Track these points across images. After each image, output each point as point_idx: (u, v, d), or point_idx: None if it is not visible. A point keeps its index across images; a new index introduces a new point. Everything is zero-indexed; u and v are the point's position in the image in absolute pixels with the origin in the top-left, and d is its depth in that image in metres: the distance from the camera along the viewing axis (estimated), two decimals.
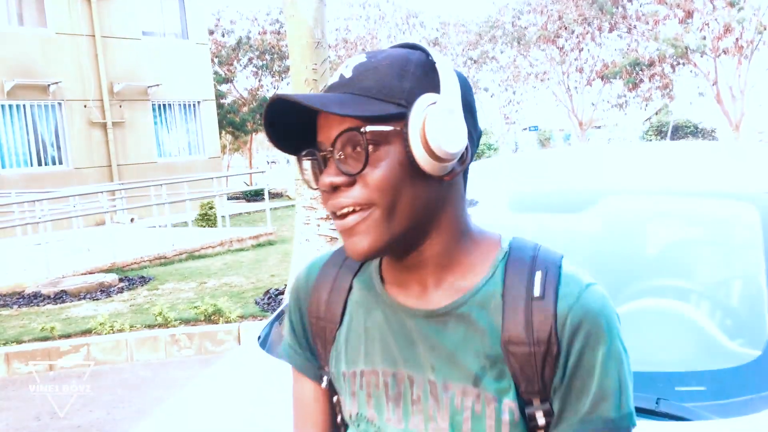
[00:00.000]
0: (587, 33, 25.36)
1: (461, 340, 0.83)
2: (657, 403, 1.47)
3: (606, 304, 0.81)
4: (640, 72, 24.38)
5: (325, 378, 0.97)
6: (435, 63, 0.81)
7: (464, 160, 0.82)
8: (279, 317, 2.25)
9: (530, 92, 30.01)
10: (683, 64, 23.52)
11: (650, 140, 29.18)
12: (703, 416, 1.44)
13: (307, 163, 0.85)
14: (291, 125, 0.83)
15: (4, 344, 5.63)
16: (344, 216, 0.80)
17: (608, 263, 2.15)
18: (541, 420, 0.81)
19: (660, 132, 29.30)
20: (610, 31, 25.31)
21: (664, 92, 25.35)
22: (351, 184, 0.79)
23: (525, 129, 35.99)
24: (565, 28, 25.21)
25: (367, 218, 0.79)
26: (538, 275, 0.82)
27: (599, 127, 39.68)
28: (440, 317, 0.84)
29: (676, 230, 2.29)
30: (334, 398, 0.98)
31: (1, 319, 6.61)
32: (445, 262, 0.85)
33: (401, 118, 0.78)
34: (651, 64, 23.85)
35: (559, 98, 28.06)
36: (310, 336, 0.99)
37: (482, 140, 22.14)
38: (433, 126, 0.76)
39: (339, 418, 0.98)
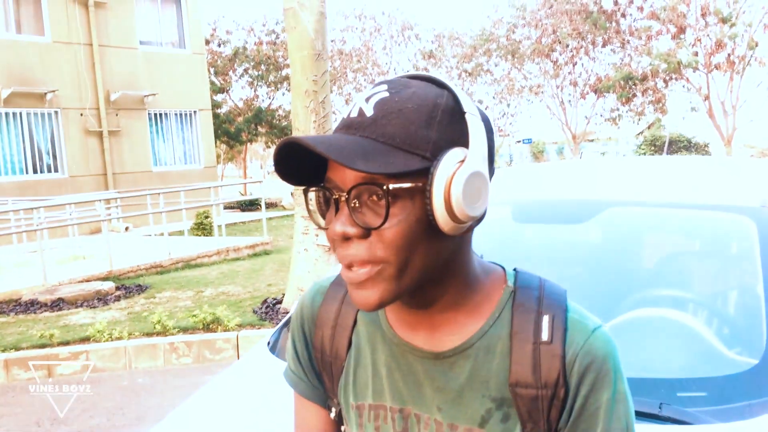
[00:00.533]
0: (581, 47, 25.61)
1: (467, 382, 0.83)
2: (660, 407, 1.52)
3: (611, 348, 0.82)
4: (633, 86, 24.60)
5: (334, 409, 0.97)
6: (464, 112, 0.77)
7: (482, 217, 0.79)
8: (288, 323, 2.29)
9: (524, 105, 30.19)
10: (676, 79, 23.76)
11: (644, 154, 29.39)
12: (704, 420, 1.50)
13: (311, 195, 0.82)
14: (300, 155, 0.77)
15: (3, 351, 5.63)
16: (353, 265, 0.77)
17: (609, 273, 2.21)
18: None
19: (654, 145, 29.51)
20: (604, 45, 25.56)
21: (657, 106, 25.57)
22: (364, 236, 0.75)
23: (519, 141, 36.16)
24: (559, 42, 25.44)
25: (378, 274, 0.76)
26: (546, 320, 0.82)
27: (592, 141, 39.93)
28: (447, 359, 0.84)
29: (675, 241, 2.35)
30: (342, 428, 0.98)
31: None
32: (451, 305, 0.84)
33: (424, 173, 0.74)
34: (644, 79, 24.07)
35: (553, 111, 28.25)
36: (316, 366, 0.98)
37: None
38: (459, 189, 0.73)
39: None
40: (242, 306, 6.80)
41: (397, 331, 0.88)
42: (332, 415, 0.97)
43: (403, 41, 27.98)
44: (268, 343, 2.21)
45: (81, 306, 7.36)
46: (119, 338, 5.79)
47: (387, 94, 0.77)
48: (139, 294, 7.90)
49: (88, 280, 8.56)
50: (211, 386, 2.11)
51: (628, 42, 24.83)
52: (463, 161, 0.74)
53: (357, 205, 0.75)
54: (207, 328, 5.94)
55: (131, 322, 6.38)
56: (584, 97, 27.35)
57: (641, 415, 1.53)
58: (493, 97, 30.19)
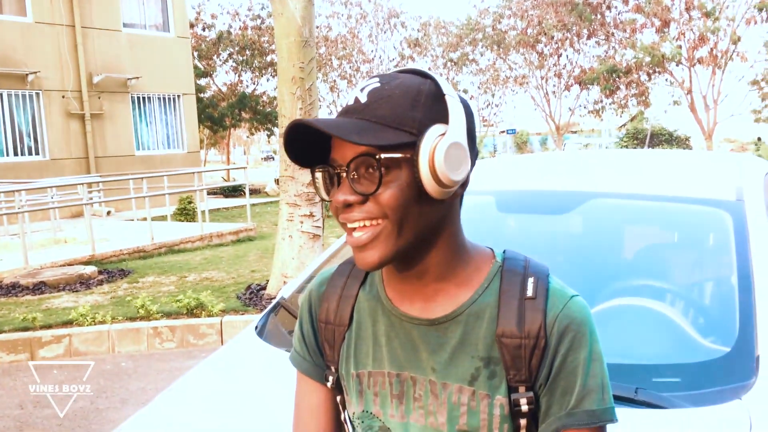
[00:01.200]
0: (566, 39, 25.69)
1: (459, 345, 0.93)
2: (636, 392, 1.58)
3: (587, 314, 0.93)
4: (617, 79, 24.73)
5: (331, 378, 1.06)
6: (444, 95, 0.89)
7: (465, 183, 0.92)
8: (275, 308, 2.33)
9: (509, 96, 30.30)
10: (659, 72, 23.93)
11: (626, 146, 29.61)
12: (678, 405, 1.56)
13: (318, 175, 0.93)
14: (306, 140, 0.90)
15: None
16: (355, 230, 0.89)
17: (589, 263, 2.27)
18: (524, 407, 0.92)
19: (636, 138, 29.74)
20: (589, 37, 25.67)
21: (640, 99, 25.75)
22: (363, 202, 0.87)
23: (503, 132, 36.29)
24: (545, 34, 25.50)
25: (377, 233, 0.87)
26: (531, 280, 0.94)
27: (576, 132, 40.16)
28: (440, 325, 0.95)
29: (654, 233, 2.42)
30: (338, 398, 1.08)
31: None
32: (443, 275, 0.95)
33: (412, 146, 0.86)
34: (628, 72, 24.21)
35: (537, 102, 28.36)
36: (319, 340, 1.07)
37: None
38: (441, 156, 0.85)
39: (343, 416, 1.08)
40: (226, 291, 6.82)
41: (395, 303, 0.99)
42: (329, 384, 1.06)
43: (389, 29, 27.87)
44: (256, 328, 2.25)
45: (63, 290, 7.33)
46: (102, 322, 5.79)
47: (378, 84, 0.89)
48: (121, 278, 7.88)
49: (70, 264, 8.52)
50: (199, 369, 2.14)
51: (613, 35, 24.96)
52: (443, 134, 0.87)
53: (355, 176, 0.87)
54: (191, 313, 5.95)
55: (114, 307, 6.37)
56: (568, 89, 27.48)
57: (618, 399, 1.58)
58: (478, 87, 30.23)
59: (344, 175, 0.88)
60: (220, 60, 26.46)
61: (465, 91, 30.40)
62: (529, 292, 0.92)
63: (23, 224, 8.68)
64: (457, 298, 0.95)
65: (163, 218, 11.92)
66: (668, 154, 3.03)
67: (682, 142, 29.52)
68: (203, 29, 25.69)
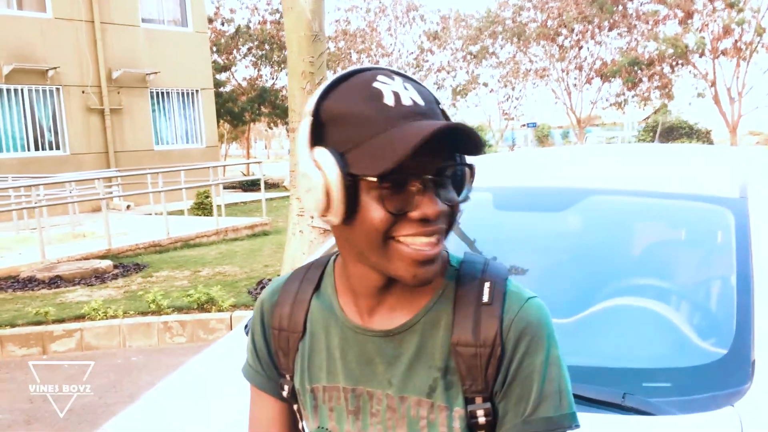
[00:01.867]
0: (587, 31, 25.40)
1: (415, 356, 0.89)
2: (623, 397, 1.52)
3: (545, 315, 0.89)
4: (639, 71, 24.42)
5: (286, 386, 1.01)
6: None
7: None
8: None
9: (529, 89, 30.05)
10: (682, 64, 23.57)
11: (644, 140, 29.24)
12: (667, 411, 1.50)
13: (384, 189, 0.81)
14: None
15: None
16: (438, 243, 0.83)
17: (588, 262, 2.21)
18: (481, 419, 0.88)
19: (654, 131, 29.35)
20: (610, 29, 25.35)
21: (663, 92, 25.40)
22: (445, 213, 0.83)
23: (523, 125, 36.02)
24: (565, 26, 25.24)
25: (443, 240, 0.85)
26: (487, 285, 0.89)
27: (598, 125, 39.74)
28: (396, 336, 0.90)
29: (654, 231, 2.35)
30: (294, 406, 1.03)
31: None
32: (400, 286, 0.90)
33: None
34: (650, 64, 23.89)
35: (558, 95, 28.11)
36: (272, 348, 1.02)
37: None
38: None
39: (301, 425, 1.04)
40: (237, 286, 6.84)
41: (348, 315, 0.94)
42: (284, 393, 1.01)
43: (408, 22, 27.78)
44: (246, 327, 2.23)
45: (78, 284, 7.40)
46: (114, 316, 5.83)
47: (411, 83, 0.85)
48: (136, 273, 7.93)
49: (86, 258, 8.60)
50: (188, 368, 2.12)
51: (635, 26, 24.62)
52: None
53: (442, 184, 0.83)
54: (201, 308, 5.98)
55: (127, 301, 6.42)
56: (590, 82, 27.19)
57: (605, 405, 1.54)
58: (498, 80, 30.03)
59: (430, 182, 0.81)
60: (240, 54, 26.56)
61: (485, 85, 30.20)
62: (485, 298, 0.88)
63: (40, 218, 8.78)
64: (412, 306, 0.91)
65: (180, 213, 11.99)
66: (672, 149, 2.95)
67: (702, 135, 29.05)
68: (222, 24, 25.79)
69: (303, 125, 0.84)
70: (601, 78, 26.18)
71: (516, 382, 0.86)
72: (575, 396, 1.51)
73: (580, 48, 26.28)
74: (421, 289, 0.90)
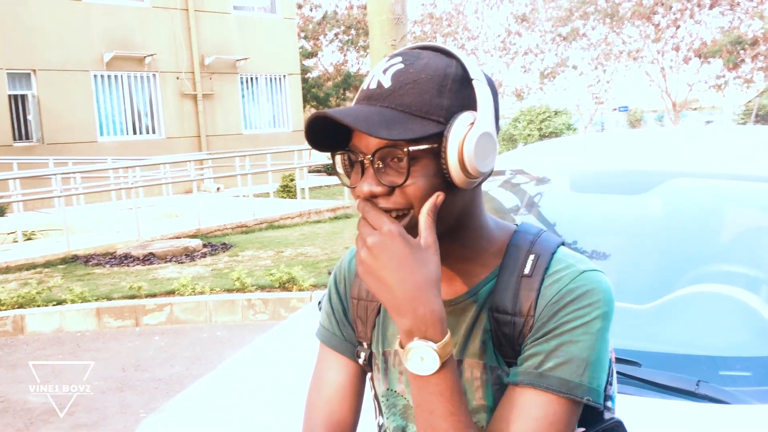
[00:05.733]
0: (686, 9, 24.14)
1: (472, 323, 0.94)
2: (697, 385, 1.47)
3: (600, 289, 0.87)
4: (742, 51, 23.04)
5: (363, 354, 1.05)
6: (472, 79, 0.85)
7: (491, 172, 0.88)
8: None
9: (621, 71, 28.89)
10: None
11: (744, 124, 27.64)
12: (743, 400, 1.44)
13: (338, 159, 0.90)
14: (328, 124, 0.86)
15: (96, 300, 6.04)
16: None
17: (669, 247, 2.13)
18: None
19: (757, 115, 27.68)
20: (711, 7, 23.97)
21: (767, 74, 23.88)
22: (389, 193, 0.84)
23: (615, 109, 34.74)
24: (662, 4, 24.09)
25: (405, 223, 0.85)
26: (531, 257, 0.91)
27: (695, 109, 37.85)
28: (458, 304, 0.95)
29: (741, 216, 2.23)
30: (368, 375, 1.07)
31: (95, 277, 7.08)
32: (466, 257, 0.94)
33: (439, 135, 0.82)
34: (754, 43, 22.48)
35: (652, 78, 26.91)
36: (350, 316, 1.08)
37: (561, 120, 21.24)
38: (471, 148, 0.82)
39: (373, 393, 1.08)
40: (318, 267, 6.98)
41: None
42: (360, 360, 1.06)
43: (496, 4, 27.25)
44: (319, 303, 2.28)
45: (170, 261, 7.77)
46: (201, 293, 6.09)
47: (402, 65, 0.85)
48: (223, 252, 8.24)
49: (177, 237, 9.00)
50: (261, 341, 2.20)
51: (738, 3, 23.19)
52: (473, 123, 0.83)
53: (380, 166, 0.84)
54: (283, 286, 6.14)
55: (214, 278, 6.68)
56: (687, 63, 25.87)
57: (677, 392, 1.48)
58: (589, 63, 29.06)
59: (368, 164, 0.84)
60: (326, 40, 26.89)
61: (574, 68, 29.31)
62: (527, 270, 0.90)
63: (136, 199, 9.24)
64: (476, 277, 0.94)
65: (266, 195, 12.33)
66: (760, 131, 2.78)
67: None
68: (310, 10, 26.17)
69: None
70: (700, 59, 24.86)
71: (550, 336, 0.86)
72: (648, 382, 1.48)
73: (678, 27, 25.02)
74: (487, 262, 0.94)
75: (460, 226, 0.91)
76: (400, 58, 0.86)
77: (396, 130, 0.80)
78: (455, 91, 0.84)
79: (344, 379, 1.06)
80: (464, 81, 0.85)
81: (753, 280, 1.94)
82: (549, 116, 20.55)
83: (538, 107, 21.53)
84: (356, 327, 1.06)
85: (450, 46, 0.88)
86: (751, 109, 28.41)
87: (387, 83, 0.84)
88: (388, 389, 1.01)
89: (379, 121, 0.81)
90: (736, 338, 1.74)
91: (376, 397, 1.07)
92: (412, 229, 0.85)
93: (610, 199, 2.33)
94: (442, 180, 0.84)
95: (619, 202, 2.31)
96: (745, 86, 25.56)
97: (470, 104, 0.84)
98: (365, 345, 1.05)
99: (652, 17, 24.96)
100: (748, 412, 1.41)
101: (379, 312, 1.04)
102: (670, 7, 24.17)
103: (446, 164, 0.82)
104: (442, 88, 0.83)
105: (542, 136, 19.58)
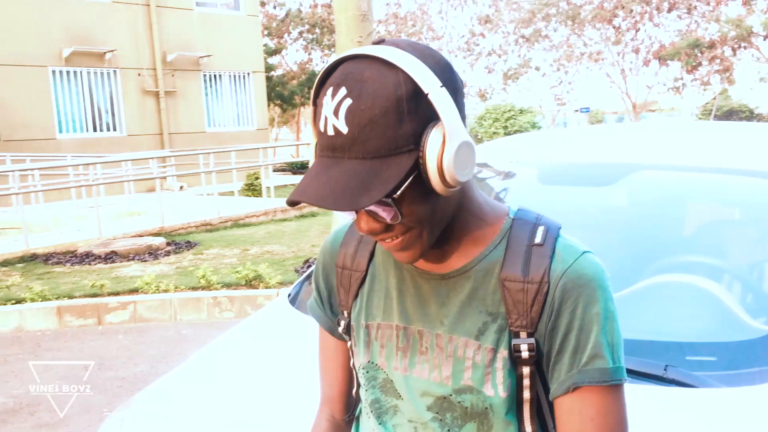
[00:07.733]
0: (645, 12, 24.66)
1: (467, 299, 0.94)
2: (665, 369, 1.50)
3: (601, 270, 0.90)
4: (699, 54, 23.62)
5: (342, 322, 1.07)
6: (426, 94, 0.80)
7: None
8: (308, 278, 2.34)
9: (583, 73, 29.40)
10: (745, 47, 22.70)
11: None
12: (710, 384, 1.47)
13: None
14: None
15: (57, 298, 5.91)
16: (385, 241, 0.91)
17: (634, 238, 2.17)
18: (525, 353, 0.91)
19: (715, 116, 28.39)
20: (669, 11, 24.55)
21: (724, 76, 24.53)
22: (389, 227, 0.88)
23: (576, 110, 35.31)
24: (623, 7, 24.56)
25: (409, 241, 0.89)
26: (541, 228, 0.93)
27: (654, 111, 38.67)
28: (451, 279, 0.95)
29: (704, 207, 2.29)
30: (348, 344, 1.09)
31: (55, 276, 6.93)
32: (460, 235, 0.95)
33: (415, 161, 0.81)
34: (711, 46, 23.08)
35: (613, 79, 27.44)
36: (334, 286, 1.10)
37: (526, 118, 21.59)
38: (450, 164, 0.80)
39: (351, 362, 1.10)
40: (285, 265, 6.94)
41: None
42: (340, 329, 1.08)
43: (459, 5, 27.47)
44: (289, 295, 2.27)
45: (132, 259, 7.64)
46: (166, 291, 6.00)
47: (350, 100, 0.79)
48: (188, 250, 8.13)
49: (140, 235, 8.86)
50: (230, 334, 2.17)
51: (695, 7, 23.78)
52: (443, 139, 0.80)
53: (372, 212, 0.86)
54: (249, 284, 6.09)
55: (178, 276, 6.59)
56: (647, 65, 26.44)
57: (646, 377, 1.52)
58: (551, 65, 29.47)
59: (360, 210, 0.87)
60: (291, 38, 26.76)
61: (537, 69, 29.69)
62: (537, 239, 0.92)
63: (97, 197, 9.06)
64: (469, 253, 0.95)
65: (231, 194, 12.21)
66: (724, 125, 2.85)
67: (763, 120, 27.97)
68: (274, 7, 26.00)
69: None
70: (659, 61, 25.42)
71: (572, 333, 0.88)
72: None
73: (638, 30, 25.55)
74: (478, 237, 0.95)
75: (455, 215, 0.93)
76: (344, 90, 0.80)
77: (376, 189, 0.79)
78: (413, 111, 0.80)
79: (335, 348, 1.13)
80: (418, 96, 0.80)
81: (716, 269, 1.99)
82: (514, 114, 20.78)
83: (504, 105, 21.76)
84: (338, 295, 1.08)
85: (392, 52, 0.81)
86: (710, 109, 29.10)
87: (344, 128, 0.80)
88: (369, 362, 1.02)
89: (355, 186, 0.79)
90: (701, 325, 1.78)
91: (353, 367, 1.09)
92: (416, 241, 0.89)
93: (578, 190, 2.37)
94: (432, 197, 0.85)
95: (586, 194, 2.34)
96: (703, 89, 26.20)
97: (432, 115, 0.80)
98: (345, 313, 1.07)
99: (612, 20, 25.45)
100: (714, 395, 1.45)
101: (362, 283, 1.05)
102: (631, 11, 24.66)
103: (431, 184, 0.82)
104: (400, 116, 0.79)
105: (507, 134, 19.77)
